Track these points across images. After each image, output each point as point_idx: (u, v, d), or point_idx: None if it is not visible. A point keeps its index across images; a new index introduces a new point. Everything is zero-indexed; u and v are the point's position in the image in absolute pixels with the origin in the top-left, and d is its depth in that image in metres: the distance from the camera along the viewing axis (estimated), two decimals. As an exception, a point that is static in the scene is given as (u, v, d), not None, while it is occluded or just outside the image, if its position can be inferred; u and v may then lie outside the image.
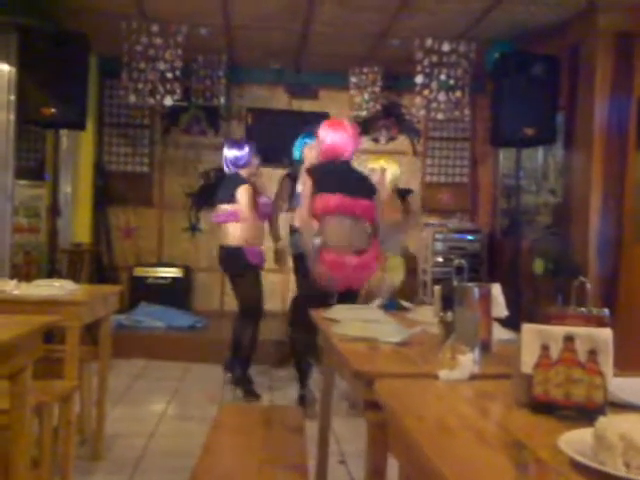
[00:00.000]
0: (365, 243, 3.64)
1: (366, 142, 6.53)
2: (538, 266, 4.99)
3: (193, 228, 6.66)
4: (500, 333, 1.82)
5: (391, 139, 6.75)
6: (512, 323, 1.82)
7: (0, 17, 4.55)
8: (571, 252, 4.78)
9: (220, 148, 6.67)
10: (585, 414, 1.10)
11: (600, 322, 1.25)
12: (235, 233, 4.21)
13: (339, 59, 6.05)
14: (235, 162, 4.38)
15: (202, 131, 6.66)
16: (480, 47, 5.32)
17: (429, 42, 5.29)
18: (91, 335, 3.73)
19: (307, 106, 6.69)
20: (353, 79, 6.19)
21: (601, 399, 1.12)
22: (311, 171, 3.68)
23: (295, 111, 6.67)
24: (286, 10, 4.90)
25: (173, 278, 6.38)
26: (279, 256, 4.42)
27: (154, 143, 6.67)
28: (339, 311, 2.36)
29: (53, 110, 4.42)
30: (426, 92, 5.37)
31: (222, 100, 6.15)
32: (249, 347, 4.25)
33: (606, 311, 1.29)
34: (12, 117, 4.85)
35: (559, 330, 1.17)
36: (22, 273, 4.87)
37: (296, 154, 4.45)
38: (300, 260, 4.05)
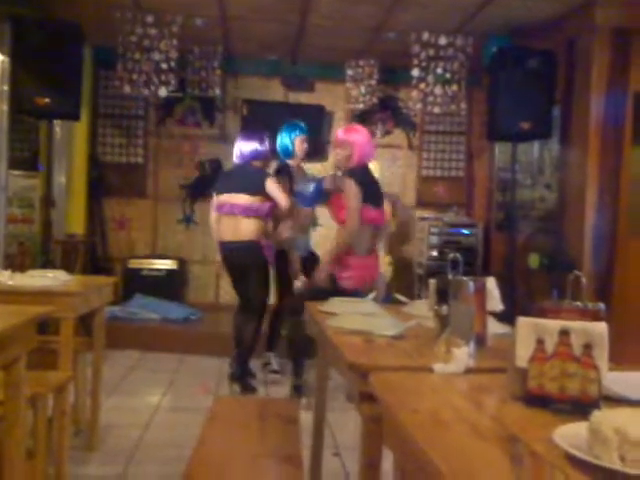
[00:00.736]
0: (374, 246, 3.82)
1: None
2: (533, 260, 5.01)
3: (187, 220, 6.65)
4: (495, 327, 1.83)
5: (387, 132, 6.73)
6: (507, 317, 1.83)
7: (-6, 6, 4.52)
8: (566, 247, 4.80)
9: (215, 139, 6.71)
10: (580, 408, 1.10)
11: (595, 316, 1.25)
12: (251, 227, 4.08)
13: (336, 52, 6.03)
14: (256, 155, 4.21)
15: (197, 122, 6.64)
16: (477, 41, 5.31)
17: (426, 36, 5.28)
18: (85, 326, 3.72)
19: (303, 98, 6.67)
20: (349, 72, 6.17)
21: (596, 393, 1.12)
22: (358, 182, 3.59)
23: (291, 103, 6.65)
24: (283, 2, 4.88)
25: (167, 270, 6.37)
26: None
27: (148, 134, 6.64)
28: (335, 304, 2.36)
29: (47, 100, 4.40)
30: (422, 86, 5.36)
31: (217, 91, 6.13)
32: (251, 341, 4.25)
33: (601, 305, 1.29)
34: (5, 107, 4.82)
35: (554, 324, 1.17)
36: (16, 264, 4.84)
37: (284, 146, 4.40)
38: (306, 262, 4.24)
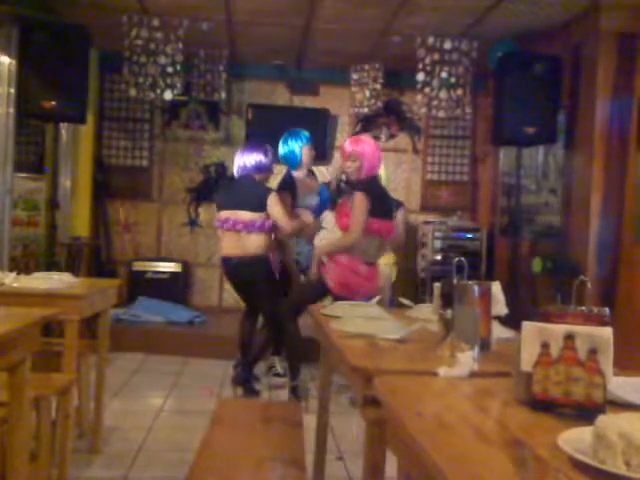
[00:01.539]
0: (376, 258, 3.86)
1: (366, 139, 6.52)
2: (536, 264, 4.99)
3: (192, 223, 6.65)
4: (500, 331, 1.83)
5: (392, 137, 6.74)
6: (511, 321, 1.82)
7: (0, 8, 4.54)
8: (570, 252, 4.78)
9: (220, 143, 6.72)
10: (585, 413, 1.10)
11: (601, 321, 1.25)
12: (257, 242, 4.00)
13: (341, 56, 6.04)
14: (259, 167, 4.08)
15: (202, 126, 6.65)
16: (482, 46, 5.31)
17: (431, 40, 5.28)
18: (89, 329, 3.73)
19: (308, 102, 6.68)
20: (354, 76, 6.18)
21: (601, 398, 1.12)
22: (367, 192, 3.63)
23: (296, 107, 6.66)
24: (288, 6, 4.89)
25: (171, 273, 6.37)
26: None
27: (154, 137, 6.66)
28: (338, 308, 2.36)
29: (53, 103, 4.41)
30: (427, 90, 5.36)
31: (223, 95, 6.14)
32: (260, 350, 4.26)
33: (607, 310, 1.29)
34: (12, 110, 4.84)
35: (559, 328, 1.17)
36: (21, 266, 4.86)
37: (292, 155, 4.31)
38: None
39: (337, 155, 6.35)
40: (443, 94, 5.36)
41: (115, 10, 5.00)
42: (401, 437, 1.16)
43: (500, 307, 1.82)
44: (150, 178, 6.66)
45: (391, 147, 6.68)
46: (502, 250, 6.01)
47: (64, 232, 5.67)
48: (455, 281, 1.76)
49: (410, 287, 6.08)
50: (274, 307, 4.10)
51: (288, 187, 4.28)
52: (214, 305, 6.57)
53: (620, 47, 4.49)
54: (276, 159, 4.33)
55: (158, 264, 6.40)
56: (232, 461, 2.01)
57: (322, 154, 6.35)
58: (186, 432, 3.37)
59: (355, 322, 2.00)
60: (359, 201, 3.59)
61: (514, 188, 5.31)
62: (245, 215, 4.00)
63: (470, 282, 1.71)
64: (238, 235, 4.02)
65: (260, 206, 3.97)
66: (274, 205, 3.96)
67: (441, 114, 5.51)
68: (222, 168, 6.54)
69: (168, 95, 5.31)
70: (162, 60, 5.22)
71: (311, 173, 4.59)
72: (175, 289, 6.33)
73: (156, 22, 5.16)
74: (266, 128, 5.93)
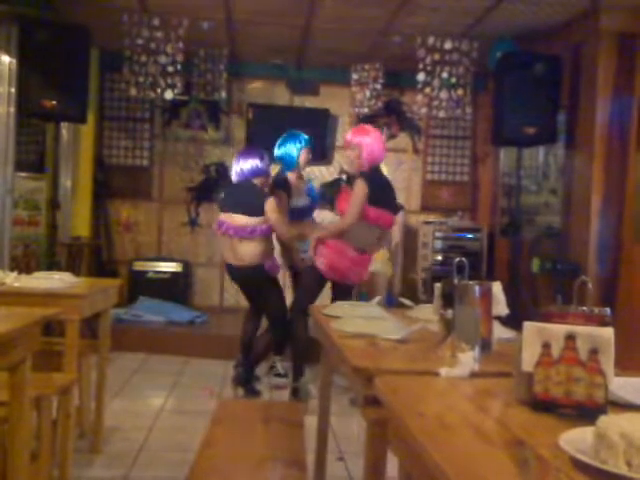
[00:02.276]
0: (372, 247, 3.92)
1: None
2: (536, 264, 5.00)
3: (193, 223, 6.65)
4: (500, 331, 1.82)
5: (392, 137, 6.73)
6: (511, 322, 1.83)
7: (1, 7, 4.54)
8: (570, 252, 4.78)
9: (220, 143, 6.72)
10: (586, 413, 1.10)
11: (602, 321, 1.25)
12: (252, 251, 3.98)
13: (341, 55, 6.04)
14: (256, 172, 4.07)
15: (202, 125, 6.65)
16: (482, 46, 5.31)
17: (431, 40, 5.28)
18: (90, 328, 3.73)
19: (308, 102, 6.68)
20: (354, 76, 6.18)
21: (602, 398, 1.12)
22: (368, 180, 3.70)
23: (296, 107, 6.66)
24: (288, 6, 4.89)
25: (172, 273, 6.37)
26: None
27: (154, 137, 6.66)
28: (339, 308, 2.36)
29: (54, 103, 4.41)
30: (428, 90, 5.36)
31: (223, 94, 6.14)
32: (264, 352, 4.27)
33: (608, 310, 1.29)
34: (12, 109, 4.84)
35: (560, 329, 1.17)
36: (21, 266, 4.86)
37: (289, 158, 4.26)
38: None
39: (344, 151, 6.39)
40: (443, 94, 5.37)
41: (115, 9, 5.00)
42: (402, 437, 1.17)
43: (501, 307, 1.82)
44: (150, 178, 6.65)
45: (391, 147, 6.67)
46: (502, 250, 6.01)
47: (65, 232, 5.67)
48: (456, 281, 1.76)
49: (410, 287, 6.08)
50: (281, 310, 4.15)
51: (282, 187, 4.29)
52: (215, 305, 6.57)
53: (620, 47, 4.49)
54: (272, 160, 4.31)
55: (159, 264, 6.40)
56: (233, 461, 2.02)
57: (322, 154, 6.35)
58: (187, 432, 3.38)
59: (356, 322, 2.00)
60: (358, 188, 3.71)
61: (514, 188, 5.31)
62: (240, 220, 3.98)
63: (471, 282, 1.71)
64: (231, 242, 4.03)
65: (257, 211, 3.97)
66: (272, 212, 3.96)
67: (441, 114, 5.51)
68: (222, 168, 6.54)
69: (168, 94, 5.31)
70: (162, 59, 5.22)
71: (300, 178, 4.59)
72: (176, 289, 6.33)
73: (156, 21, 5.16)
74: (266, 128, 5.93)
